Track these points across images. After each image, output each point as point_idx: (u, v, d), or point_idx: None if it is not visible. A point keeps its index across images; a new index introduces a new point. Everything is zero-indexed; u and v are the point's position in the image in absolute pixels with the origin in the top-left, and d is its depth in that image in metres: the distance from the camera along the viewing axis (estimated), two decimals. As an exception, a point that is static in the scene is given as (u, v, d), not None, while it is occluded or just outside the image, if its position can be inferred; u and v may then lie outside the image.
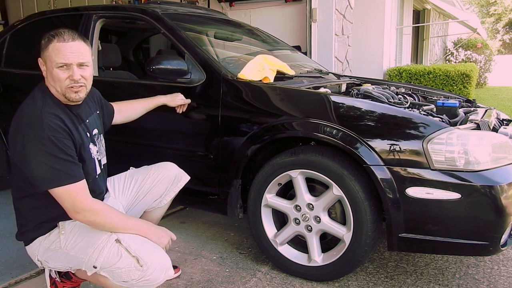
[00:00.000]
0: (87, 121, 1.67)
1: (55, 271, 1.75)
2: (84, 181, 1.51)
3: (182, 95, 2.18)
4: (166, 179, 1.92)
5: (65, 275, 1.76)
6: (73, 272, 1.69)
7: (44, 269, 1.78)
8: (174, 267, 2.08)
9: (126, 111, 2.05)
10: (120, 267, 1.47)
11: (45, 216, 1.59)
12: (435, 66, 6.47)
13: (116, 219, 1.53)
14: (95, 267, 1.51)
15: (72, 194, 1.46)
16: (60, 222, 1.59)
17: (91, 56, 1.60)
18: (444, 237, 1.70)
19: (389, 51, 6.71)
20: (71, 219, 1.59)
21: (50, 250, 1.59)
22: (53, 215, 1.59)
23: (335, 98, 1.92)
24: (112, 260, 1.49)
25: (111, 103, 1.98)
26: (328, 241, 2.01)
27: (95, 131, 1.72)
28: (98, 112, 1.80)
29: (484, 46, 12.60)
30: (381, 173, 1.72)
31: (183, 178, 1.98)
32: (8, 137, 1.53)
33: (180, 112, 2.19)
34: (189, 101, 2.18)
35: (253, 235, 2.14)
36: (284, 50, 3.22)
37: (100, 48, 2.65)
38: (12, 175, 1.62)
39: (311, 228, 1.95)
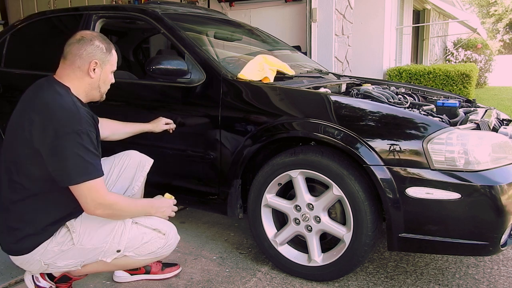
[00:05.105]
0: None
1: (46, 280, 1.73)
2: (103, 176, 1.57)
3: (165, 119, 2.19)
4: (131, 165, 1.98)
5: (60, 279, 1.76)
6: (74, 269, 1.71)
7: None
8: (174, 264, 2.10)
9: (107, 127, 2.00)
10: (146, 241, 1.67)
11: (50, 219, 1.59)
12: (435, 66, 6.46)
13: (129, 209, 1.65)
14: (118, 251, 1.65)
15: (96, 188, 1.51)
16: (67, 222, 1.61)
17: None
18: (444, 237, 1.70)
19: (389, 51, 6.70)
20: (74, 218, 1.61)
21: (62, 251, 1.60)
22: (58, 217, 1.60)
23: (335, 98, 1.92)
24: (136, 238, 1.66)
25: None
26: (328, 241, 2.01)
27: None
28: None
29: (484, 46, 12.59)
30: (381, 173, 1.72)
31: (148, 162, 2.03)
32: (28, 129, 1.50)
33: (171, 131, 2.20)
34: (173, 125, 2.19)
35: (253, 235, 2.14)
36: (284, 50, 3.22)
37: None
38: (10, 175, 1.56)
39: (311, 228, 1.95)
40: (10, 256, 1.65)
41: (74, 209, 1.60)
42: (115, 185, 1.96)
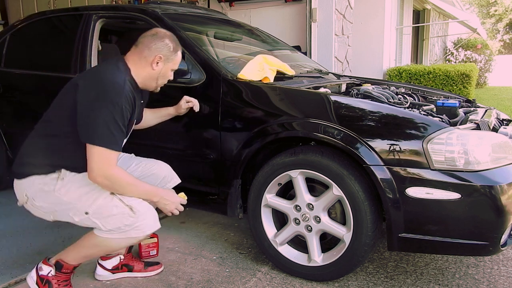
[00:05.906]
0: (140, 102, 1.87)
1: (51, 268, 1.78)
2: (119, 153, 1.65)
3: (185, 98, 2.11)
4: (157, 175, 2.01)
5: (56, 267, 1.80)
6: (60, 260, 1.78)
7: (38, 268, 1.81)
8: (157, 263, 2.11)
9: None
10: (114, 214, 1.65)
11: (53, 160, 1.70)
12: (435, 66, 6.46)
13: (129, 188, 1.68)
14: (86, 213, 1.67)
15: (106, 158, 1.59)
16: (62, 170, 1.70)
17: None
18: (444, 237, 1.70)
19: (389, 51, 6.71)
20: (74, 171, 1.70)
21: (43, 191, 1.69)
22: (62, 163, 1.70)
23: (335, 98, 1.92)
24: (106, 208, 1.66)
25: None
26: (328, 241, 2.01)
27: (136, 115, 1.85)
28: (142, 101, 1.93)
29: (484, 46, 12.59)
30: (381, 173, 1.72)
31: (174, 179, 2.06)
32: (77, 87, 1.64)
33: (197, 110, 2.13)
34: (195, 102, 2.11)
35: (253, 235, 2.14)
36: (284, 50, 3.22)
37: (100, 48, 2.65)
38: (48, 113, 1.73)
39: (311, 228, 1.95)
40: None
41: (76, 164, 1.69)
42: None
